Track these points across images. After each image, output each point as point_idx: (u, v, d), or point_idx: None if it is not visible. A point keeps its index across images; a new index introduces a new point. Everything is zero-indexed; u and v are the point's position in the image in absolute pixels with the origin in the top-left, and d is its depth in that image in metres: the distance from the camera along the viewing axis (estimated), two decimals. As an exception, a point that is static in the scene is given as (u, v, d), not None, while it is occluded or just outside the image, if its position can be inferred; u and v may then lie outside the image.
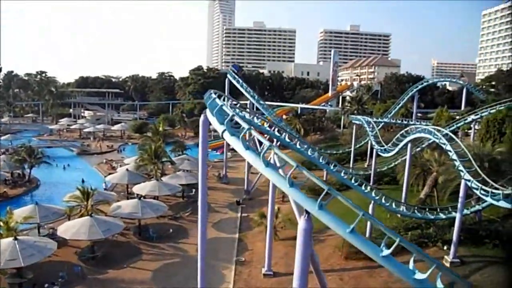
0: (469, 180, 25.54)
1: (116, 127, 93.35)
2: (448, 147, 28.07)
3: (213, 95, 18.22)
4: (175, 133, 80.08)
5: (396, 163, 47.46)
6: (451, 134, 30.40)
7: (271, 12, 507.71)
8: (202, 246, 21.76)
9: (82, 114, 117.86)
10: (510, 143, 39.80)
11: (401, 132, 37.60)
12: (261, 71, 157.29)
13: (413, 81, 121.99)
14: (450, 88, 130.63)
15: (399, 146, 36.29)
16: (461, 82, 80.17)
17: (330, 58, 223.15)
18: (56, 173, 57.85)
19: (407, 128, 37.00)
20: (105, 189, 43.45)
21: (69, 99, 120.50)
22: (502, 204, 24.12)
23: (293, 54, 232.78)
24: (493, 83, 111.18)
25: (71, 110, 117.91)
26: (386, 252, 11.29)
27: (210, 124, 19.14)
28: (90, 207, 31.71)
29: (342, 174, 30.83)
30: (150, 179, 43.52)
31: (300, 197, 12.37)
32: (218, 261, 31.33)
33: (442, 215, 31.71)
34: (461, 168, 26.37)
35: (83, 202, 32.73)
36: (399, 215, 33.65)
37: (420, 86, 72.03)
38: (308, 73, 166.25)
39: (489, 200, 24.01)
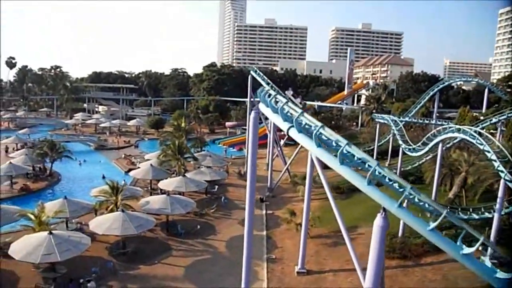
0: (510, 181, 24.92)
1: (131, 122, 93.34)
2: (486, 147, 27.39)
3: (272, 92, 17.77)
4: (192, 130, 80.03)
5: (420, 162, 46.69)
6: (488, 134, 29.72)
7: (281, 10, 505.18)
8: (248, 245, 21.35)
9: (96, 109, 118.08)
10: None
11: (432, 132, 36.90)
12: (274, 68, 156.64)
13: (429, 80, 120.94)
14: (465, 88, 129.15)
15: (430, 146, 35.53)
16: (483, 82, 78.69)
17: (342, 56, 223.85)
18: (76, 167, 57.85)
19: (439, 128, 36.28)
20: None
21: (83, 94, 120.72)
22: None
23: (305, 51, 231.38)
24: (510, 83, 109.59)
25: (85, 105, 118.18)
26: (467, 250, 10.73)
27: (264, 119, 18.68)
28: (119, 202, 31.39)
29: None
30: (172, 175, 43.22)
31: (378, 195, 11.94)
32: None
33: (475, 215, 31.03)
34: (501, 168, 25.74)
35: (112, 197, 32.41)
36: (428, 215, 33.16)
37: (441, 86, 71.01)
38: (320, 71, 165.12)
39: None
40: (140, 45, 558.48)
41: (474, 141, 28.91)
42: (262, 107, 18.75)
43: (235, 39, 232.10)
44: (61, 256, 23.60)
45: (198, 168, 49.42)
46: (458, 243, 11.20)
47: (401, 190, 11.65)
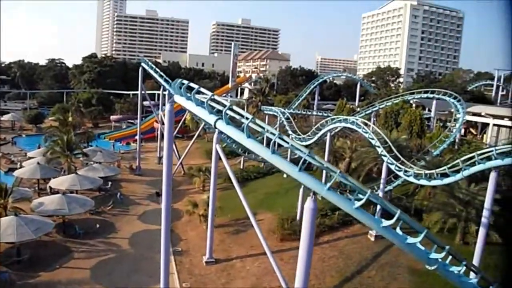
0: (392, 164, 28.93)
1: (5, 117, 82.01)
2: (371, 135, 31.26)
3: (194, 85, 17.91)
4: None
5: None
6: (371, 124, 33.83)
7: (160, 6, 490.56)
8: (165, 240, 21.26)
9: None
10: (405, 131, 45.59)
11: (321, 122, 40.46)
12: (157, 61, 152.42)
13: (306, 74, 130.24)
14: (336, 82, 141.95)
15: (319, 134, 38.97)
16: (356, 77, 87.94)
17: (222, 50, 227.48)
18: None
19: (328, 118, 40.03)
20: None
21: None
22: (413, 180, 28.02)
23: (186, 44, 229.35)
24: (373, 78, 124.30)
25: None
26: (386, 223, 12.52)
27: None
28: (9, 205, 28.21)
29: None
30: (63, 173, 40.13)
31: (309, 180, 13.16)
32: (155, 253, 30.37)
33: (361, 196, 35.06)
34: (384, 153, 29.70)
35: (-2, 201, 28.97)
36: (320, 198, 36.61)
37: (321, 80, 77.55)
38: (203, 64, 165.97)
39: (411, 179, 27.48)
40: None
41: (359, 130, 32.71)
42: (179, 99, 18.78)
43: (115, 29, 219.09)
44: None
45: (87, 165, 46.57)
46: (376, 217, 13.02)
47: (331, 174, 13.03)
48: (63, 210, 30.02)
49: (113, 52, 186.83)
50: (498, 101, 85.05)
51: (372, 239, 30.17)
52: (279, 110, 52.57)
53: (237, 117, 15.58)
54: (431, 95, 49.18)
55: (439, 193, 29.68)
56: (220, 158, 27.09)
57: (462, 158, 22.31)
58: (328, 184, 12.79)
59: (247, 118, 14.19)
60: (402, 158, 29.23)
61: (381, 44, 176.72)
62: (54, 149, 39.64)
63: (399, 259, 27.40)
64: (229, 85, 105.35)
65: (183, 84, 18.31)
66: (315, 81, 77.41)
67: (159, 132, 57.94)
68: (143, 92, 51.80)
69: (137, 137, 67.85)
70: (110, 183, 43.11)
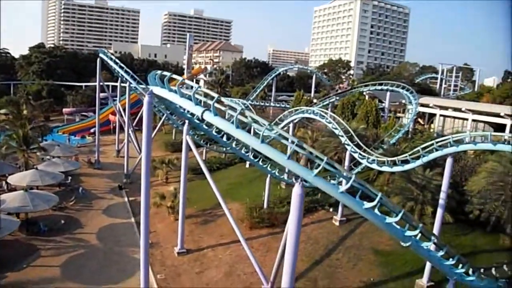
0: (355, 152, 30.52)
1: None
2: (335, 125, 32.69)
3: (178, 77, 18.09)
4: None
5: (267, 141, 51.60)
6: (334, 115, 35.27)
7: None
8: (145, 235, 21.39)
9: None
10: (362, 121, 47.80)
11: (284, 113, 41.50)
12: (109, 51, 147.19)
13: (260, 66, 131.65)
14: (289, 74, 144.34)
15: (282, 125, 40.02)
16: (311, 69, 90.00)
17: (175, 41, 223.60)
18: None
19: (291, 109, 41.11)
20: None
21: None
22: (376, 167, 29.79)
23: (137, 35, 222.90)
24: (325, 70, 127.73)
25: None
26: (368, 205, 13.57)
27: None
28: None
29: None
30: (20, 168, 38.60)
31: (297, 167, 13.95)
32: (124, 247, 30.58)
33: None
34: (348, 142, 31.24)
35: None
36: (284, 187, 37.96)
37: (277, 72, 78.73)
38: (155, 55, 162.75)
39: (374, 166, 29.16)
40: None
41: (323, 121, 34.03)
42: (159, 91, 18.90)
43: (62, 18, 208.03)
44: None
45: (43, 160, 45.02)
46: (357, 199, 14.07)
47: (318, 162, 13.86)
48: (27, 207, 29.03)
49: (61, 42, 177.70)
50: (442, 93, 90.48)
51: (337, 224, 31.77)
52: (240, 101, 53.13)
53: (222, 108, 16.08)
54: (385, 87, 51.70)
55: (398, 179, 31.65)
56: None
57: (422, 146, 24.06)
58: (315, 171, 13.65)
59: (236, 110, 14.73)
60: (364, 147, 30.89)
61: (332, 37, 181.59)
62: (9, 144, 37.92)
63: (363, 242, 29.18)
64: (185, 76, 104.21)
65: (165, 76, 18.42)
66: (272, 73, 78.58)
67: (117, 125, 56.72)
68: (101, 83, 50.36)
69: (92, 130, 66.29)
70: (70, 177, 42.00)
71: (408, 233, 14.32)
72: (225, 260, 28.40)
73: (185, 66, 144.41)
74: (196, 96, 16.65)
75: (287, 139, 14.04)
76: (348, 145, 31.11)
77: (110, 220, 35.32)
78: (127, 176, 46.03)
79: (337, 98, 54.86)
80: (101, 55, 47.32)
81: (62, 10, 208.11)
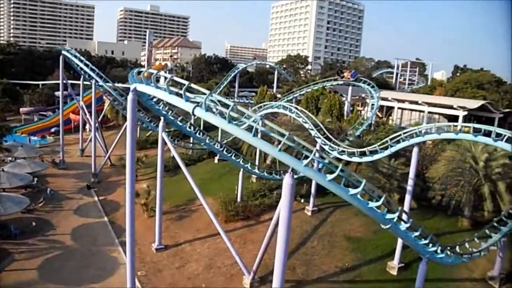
0: (326, 144, 31.89)
1: None
2: (305, 119, 33.94)
3: (165, 74, 18.41)
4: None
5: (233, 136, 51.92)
6: (303, 109, 36.52)
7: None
8: (130, 233, 21.59)
9: None
10: (326, 115, 49.51)
11: (253, 108, 42.31)
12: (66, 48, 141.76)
13: (220, 62, 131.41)
14: (249, 70, 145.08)
15: (251, 120, 40.70)
16: (274, 66, 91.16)
17: (132, 37, 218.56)
18: None
19: (260, 104, 41.99)
20: None
21: None
22: (346, 157, 31.27)
23: (92, 31, 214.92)
24: (284, 66, 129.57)
25: None
26: (353, 191, 14.62)
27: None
28: None
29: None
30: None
31: (288, 158, 14.81)
32: (101, 246, 30.54)
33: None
34: (318, 134, 32.57)
35: None
36: (255, 181, 38.89)
37: (240, 68, 79.45)
38: (112, 52, 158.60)
39: (344, 156, 30.56)
40: None
41: (293, 115, 35.18)
42: (144, 88, 19.13)
43: (12, 13, 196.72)
44: None
45: (4, 161, 43.48)
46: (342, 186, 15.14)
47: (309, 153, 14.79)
48: (-4, 210, 28.26)
49: (11, 39, 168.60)
50: (397, 86, 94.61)
51: (309, 213, 33.05)
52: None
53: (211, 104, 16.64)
54: (348, 82, 53.62)
55: (365, 169, 33.29)
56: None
57: (390, 137, 25.66)
58: (305, 161, 14.58)
59: (228, 106, 15.38)
60: (334, 139, 32.32)
61: (290, 33, 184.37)
62: (-30, 145, 36.51)
63: (335, 230, 30.63)
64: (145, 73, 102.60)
65: (152, 73, 18.71)
66: (234, 69, 79.18)
67: (81, 123, 55.40)
68: (65, 81, 49.10)
69: (53, 130, 64.41)
70: (36, 179, 40.87)
71: (388, 216, 15.58)
72: (203, 254, 28.95)
73: (143, 63, 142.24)
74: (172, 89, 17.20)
75: (282, 134, 14.82)
76: (319, 137, 32.40)
77: (82, 220, 34.90)
78: (94, 176, 45.35)
79: (302, 93, 56.26)
80: (64, 52, 46.14)
81: (12, 5, 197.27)
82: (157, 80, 19.45)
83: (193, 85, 16.68)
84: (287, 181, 15.29)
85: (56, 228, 32.75)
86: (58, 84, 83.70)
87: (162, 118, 28.50)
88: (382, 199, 14.95)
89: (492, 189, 27.76)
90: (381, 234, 29.04)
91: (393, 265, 25.37)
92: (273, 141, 16.54)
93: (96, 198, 40.54)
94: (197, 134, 32.21)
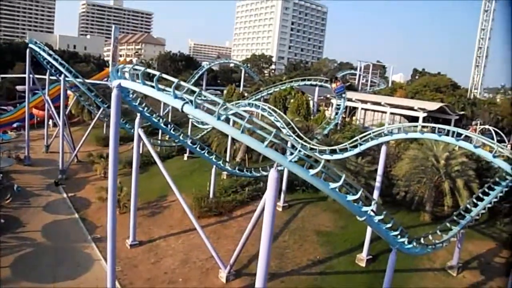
0: (298, 143, 33.00)
1: None
2: (277, 118, 35.03)
3: (155, 72, 18.71)
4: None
5: (204, 132, 51.83)
6: (275, 108, 37.58)
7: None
8: (112, 230, 21.78)
9: None
10: (294, 114, 50.98)
11: (225, 106, 42.80)
12: (26, 41, 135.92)
13: (185, 60, 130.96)
14: (213, 68, 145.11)
15: (222, 118, 41.30)
16: (242, 65, 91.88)
17: (94, 32, 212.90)
18: None
19: (233, 103, 42.63)
20: None
21: None
22: (317, 155, 32.56)
23: (53, 24, 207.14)
24: (249, 65, 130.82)
25: None
26: (333, 185, 15.68)
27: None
28: None
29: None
30: None
31: (274, 154, 15.67)
32: (74, 243, 30.29)
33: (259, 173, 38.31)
34: (290, 133, 33.77)
35: None
36: (225, 177, 39.55)
37: (208, 67, 79.80)
38: (74, 46, 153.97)
39: (316, 154, 31.75)
40: None
41: (265, 113, 36.17)
42: (129, 84, 19.39)
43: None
44: None
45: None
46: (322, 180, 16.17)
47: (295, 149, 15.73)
48: (-33, 206, 27.49)
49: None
50: (360, 88, 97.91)
51: (280, 209, 34.11)
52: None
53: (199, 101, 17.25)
54: (314, 82, 55.34)
55: (333, 166, 34.75)
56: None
57: (360, 136, 27.17)
58: (290, 157, 15.49)
59: (218, 103, 16.04)
60: (305, 138, 33.60)
61: (254, 33, 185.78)
62: None
63: (305, 225, 31.91)
64: (110, 69, 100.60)
65: (136, 69, 18.98)
66: (202, 68, 79.53)
67: (46, 119, 54.04)
68: (31, 75, 47.79)
69: (15, 125, 62.34)
70: (1, 175, 39.72)
71: (364, 209, 16.80)
72: (178, 249, 29.37)
73: (107, 58, 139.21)
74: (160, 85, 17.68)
75: (269, 132, 15.60)
76: (290, 136, 33.55)
77: (52, 216, 34.37)
78: (62, 172, 44.54)
79: (269, 92, 57.51)
80: (31, 45, 44.92)
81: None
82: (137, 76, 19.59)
83: (183, 83, 17.10)
84: (272, 174, 16.18)
85: (26, 225, 32.07)
86: (19, 78, 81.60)
87: (138, 114, 28.67)
88: (360, 192, 16.13)
89: (451, 186, 29.94)
90: (349, 229, 30.71)
91: (362, 257, 26.87)
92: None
93: (65, 195, 39.93)
94: (172, 131, 32.61)
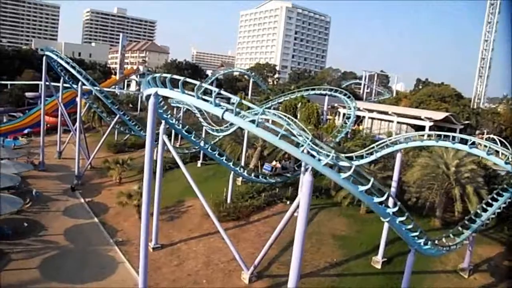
0: (312, 149, 34.04)
1: None
2: (293, 126, 35.92)
3: (196, 81, 19.67)
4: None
5: (217, 139, 52.87)
6: (290, 116, 38.55)
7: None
8: (145, 234, 22.74)
9: None
10: (304, 123, 51.94)
11: (241, 114, 43.91)
12: (33, 48, 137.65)
13: (191, 68, 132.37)
14: (218, 77, 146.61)
15: (235, 128, 42.38)
16: (250, 74, 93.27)
17: (98, 39, 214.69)
18: None
19: (248, 111, 43.68)
20: None
21: None
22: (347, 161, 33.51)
23: (57, 31, 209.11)
24: (253, 73, 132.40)
25: None
26: (344, 175, 16.66)
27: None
28: None
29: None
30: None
31: (308, 158, 16.77)
32: (97, 246, 31.17)
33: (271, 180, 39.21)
34: (306, 140, 34.65)
35: None
36: (240, 184, 40.47)
37: (217, 75, 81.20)
38: (79, 54, 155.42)
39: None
40: None
41: (281, 121, 37.09)
42: (168, 93, 20.27)
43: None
44: None
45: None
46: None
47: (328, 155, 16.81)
48: (-7, 210, 28.33)
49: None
50: (364, 97, 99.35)
51: (296, 214, 35.00)
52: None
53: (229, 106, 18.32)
54: (324, 92, 56.61)
55: (347, 173, 35.78)
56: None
57: (376, 144, 28.26)
58: (325, 161, 16.57)
59: (257, 111, 17.16)
60: (321, 144, 34.49)
61: (258, 42, 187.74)
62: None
63: (321, 229, 32.83)
64: (117, 77, 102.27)
65: (166, 77, 20.01)
66: (212, 76, 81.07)
67: (59, 125, 55.06)
68: (47, 83, 48.96)
69: (26, 131, 63.37)
70: (20, 179, 40.60)
71: (388, 210, 17.87)
72: (200, 252, 30.27)
73: (112, 66, 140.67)
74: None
75: (306, 139, 16.68)
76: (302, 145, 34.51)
77: (72, 221, 35.26)
78: (78, 178, 45.50)
79: (279, 102, 58.75)
80: (48, 53, 46.11)
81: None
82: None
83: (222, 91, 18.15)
84: (307, 178, 17.29)
85: (48, 229, 32.92)
86: (29, 85, 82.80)
87: (163, 121, 29.78)
88: (385, 195, 17.20)
89: (461, 192, 30.96)
90: (364, 233, 31.74)
91: (378, 260, 27.83)
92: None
93: (82, 200, 40.85)
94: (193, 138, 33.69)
